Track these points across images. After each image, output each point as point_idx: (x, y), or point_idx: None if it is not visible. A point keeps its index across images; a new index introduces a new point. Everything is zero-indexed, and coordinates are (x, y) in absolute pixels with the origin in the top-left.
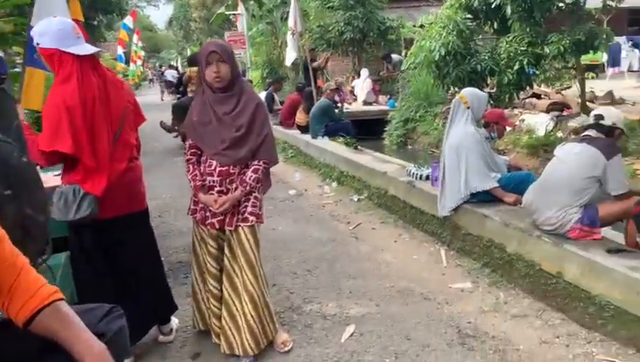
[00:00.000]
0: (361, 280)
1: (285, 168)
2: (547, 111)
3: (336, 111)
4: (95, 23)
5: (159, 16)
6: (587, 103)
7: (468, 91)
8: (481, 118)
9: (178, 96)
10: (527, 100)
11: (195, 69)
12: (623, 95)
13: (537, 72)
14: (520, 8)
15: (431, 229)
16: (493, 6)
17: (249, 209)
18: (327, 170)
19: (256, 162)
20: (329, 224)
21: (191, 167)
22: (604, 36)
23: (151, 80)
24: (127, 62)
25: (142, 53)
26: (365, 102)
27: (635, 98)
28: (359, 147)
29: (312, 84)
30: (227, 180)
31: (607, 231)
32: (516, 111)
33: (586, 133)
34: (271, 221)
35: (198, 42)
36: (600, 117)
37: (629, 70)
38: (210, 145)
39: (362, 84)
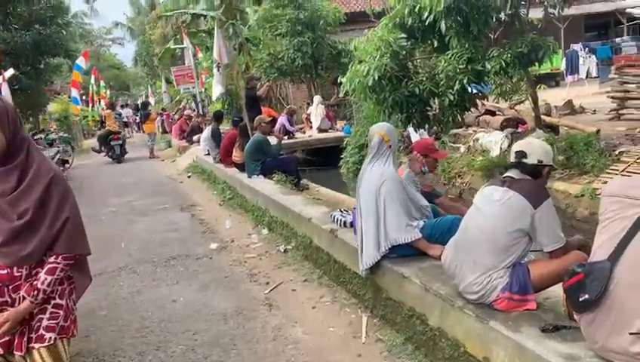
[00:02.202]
0: None
1: (219, 213)
2: (501, 128)
3: (274, 144)
4: (41, 66)
5: (126, 53)
6: (542, 116)
7: (386, 128)
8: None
9: None
10: (480, 118)
11: (108, 111)
12: (583, 103)
13: (492, 87)
14: (455, 23)
15: (354, 289)
16: (427, 23)
17: (45, 323)
18: (259, 214)
19: (52, 258)
20: (243, 288)
21: None
22: (549, 47)
23: None
24: (87, 103)
25: (105, 93)
26: (320, 130)
27: (596, 105)
28: (305, 182)
29: (246, 116)
30: (11, 287)
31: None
32: (470, 130)
33: (507, 173)
34: (175, 289)
35: (162, 77)
36: (522, 154)
37: (588, 76)
38: None
39: (315, 111)
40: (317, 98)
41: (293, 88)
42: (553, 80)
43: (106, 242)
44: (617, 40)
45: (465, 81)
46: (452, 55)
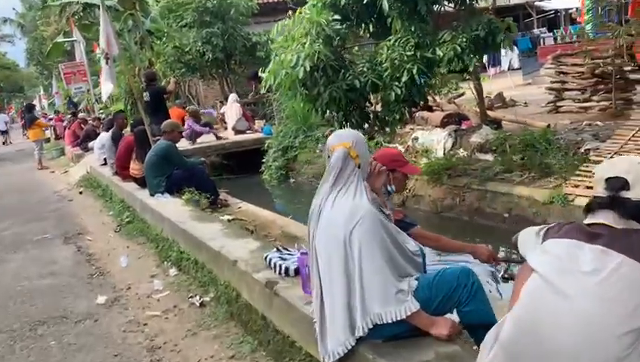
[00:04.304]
0: None
1: (114, 244)
2: (442, 125)
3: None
4: None
5: (18, 52)
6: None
7: (353, 137)
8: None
9: None
10: (417, 114)
11: None
12: (510, 95)
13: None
14: (400, 2)
15: None
16: (365, 1)
17: None
18: (165, 246)
19: None
20: None
21: None
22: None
23: None
24: None
25: None
26: (237, 131)
27: (526, 97)
28: (223, 196)
29: (144, 118)
30: None
31: None
32: (407, 128)
33: (596, 218)
34: None
35: (54, 77)
36: (622, 183)
37: (510, 69)
38: None
39: (230, 111)
40: (232, 96)
41: (204, 85)
42: (464, 72)
43: None
44: (535, 31)
45: (414, 71)
46: (396, 40)
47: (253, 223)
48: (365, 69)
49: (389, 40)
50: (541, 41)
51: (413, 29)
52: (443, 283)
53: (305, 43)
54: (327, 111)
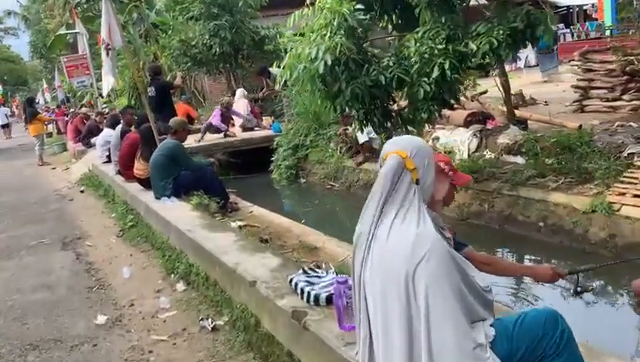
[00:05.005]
0: None
1: (116, 251)
2: (465, 124)
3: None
4: None
5: (22, 45)
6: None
7: (413, 144)
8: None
9: None
10: None
11: None
12: (529, 93)
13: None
14: None
15: None
16: None
17: None
18: (171, 255)
19: None
20: None
21: None
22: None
23: None
24: None
25: None
26: (245, 128)
27: (545, 96)
28: (233, 199)
29: (149, 115)
30: None
31: None
32: (426, 127)
33: None
34: None
35: (56, 70)
36: None
37: (526, 65)
38: None
39: (237, 106)
40: (240, 91)
41: (210, 80)
42: (482, 69)
43: None
44: (553, 27)
45: (446, 66)
46: (425, 32)
47: (267, 231)
48: (391, 64)
49: (417, 32)
50: (560, 37)
51: (443, 21)
52: (525, 331)
53: (325, 35)
54: (347, 108)
